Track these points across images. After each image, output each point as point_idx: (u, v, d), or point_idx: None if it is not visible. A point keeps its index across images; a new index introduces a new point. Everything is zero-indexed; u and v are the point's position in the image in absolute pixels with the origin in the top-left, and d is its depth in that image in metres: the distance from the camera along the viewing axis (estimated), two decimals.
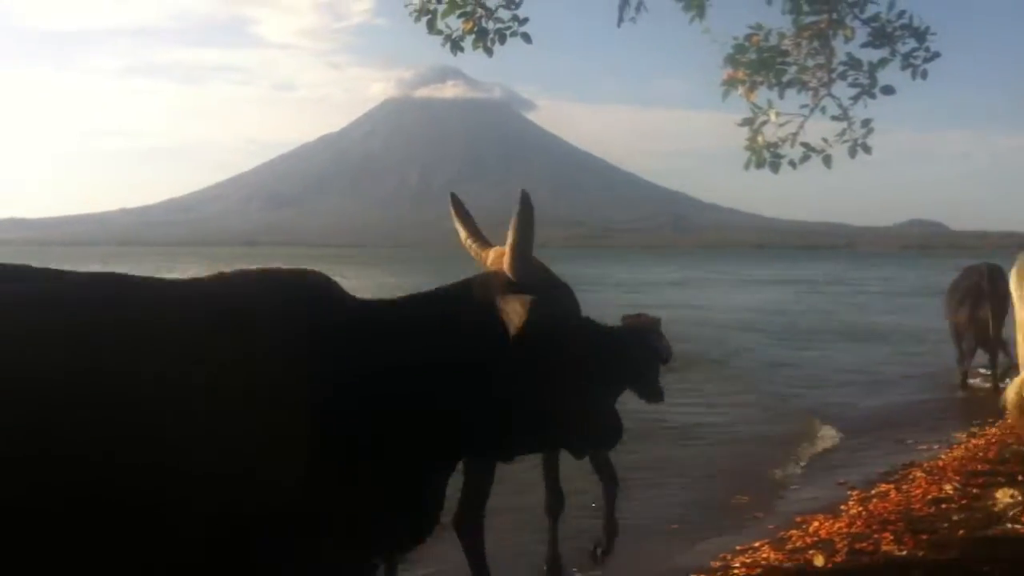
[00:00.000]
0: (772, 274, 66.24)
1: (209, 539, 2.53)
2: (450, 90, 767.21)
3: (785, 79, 6.63)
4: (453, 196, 3.53)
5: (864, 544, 5.92)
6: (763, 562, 5.96)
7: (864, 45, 6.54)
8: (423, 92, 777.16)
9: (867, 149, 6.45)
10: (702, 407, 13.01)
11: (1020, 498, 6.70)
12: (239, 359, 2.64)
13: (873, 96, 6.46)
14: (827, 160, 6.46)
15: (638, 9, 6.81)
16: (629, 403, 5.34)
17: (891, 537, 6.09)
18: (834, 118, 6.59)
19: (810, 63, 6.63)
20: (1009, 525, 6.19)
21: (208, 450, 2.52)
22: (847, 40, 6.58)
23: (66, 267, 2.86)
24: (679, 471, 9.81)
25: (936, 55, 6.40)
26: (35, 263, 2.78)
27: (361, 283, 64.05)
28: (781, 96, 6.66)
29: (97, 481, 2.33)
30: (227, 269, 3.11)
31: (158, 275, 3.05)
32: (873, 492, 7.74)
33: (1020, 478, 7.48)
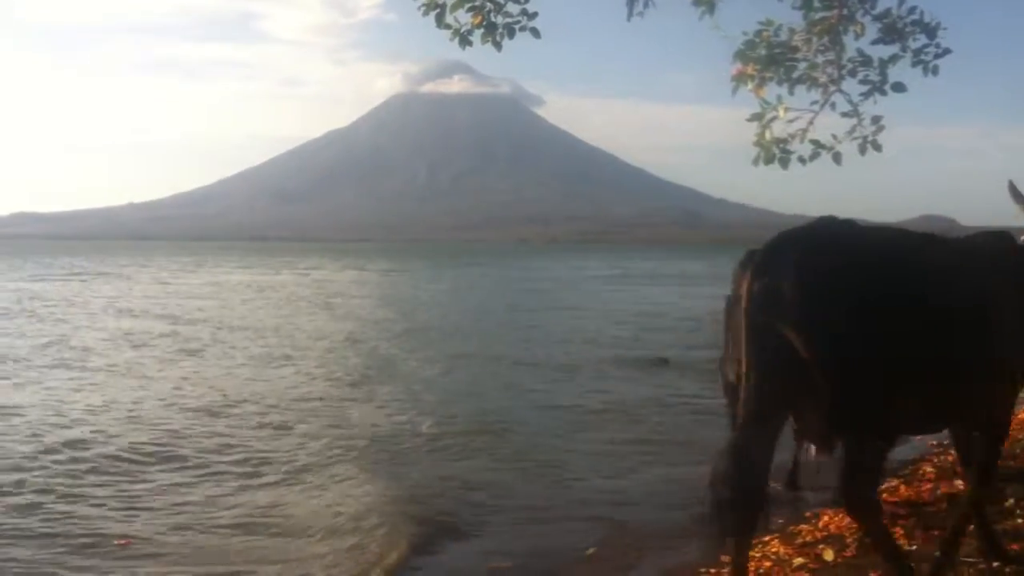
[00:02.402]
0: None
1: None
2: (457, 85, 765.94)
3: (795, 75, 6.60)
4: (1010, 184, 5.71)
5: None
6: (773, 556, 5.98)
7: (875, 42, 6.50)
8: (429, 87, 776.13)
9: (877, 147, 6.40)
10: None
11: None
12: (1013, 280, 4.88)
13: (884, 93, 6.42)
14: (837, 158, 6.41)
15: (647, 4, 6.77)
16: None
17: (901, 532, 6.10)
18: (844, 115, 6.55)
19: (820, 59, 6.59)
20: (1020, 520, 6.20)
21: (996, 318, 4.63)
22: (857, 36, 6.54)
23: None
24: (693, 451, 10.59)
25: (947, 51, 6.36)
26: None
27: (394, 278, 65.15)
28: (791, 92, 6.62)
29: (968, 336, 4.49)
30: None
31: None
32: (883, 487, 7.74)
33: None
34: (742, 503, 4.36)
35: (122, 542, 7.69)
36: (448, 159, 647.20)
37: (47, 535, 7.93)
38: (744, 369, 4.41)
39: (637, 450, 11.34)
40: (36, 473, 9.82)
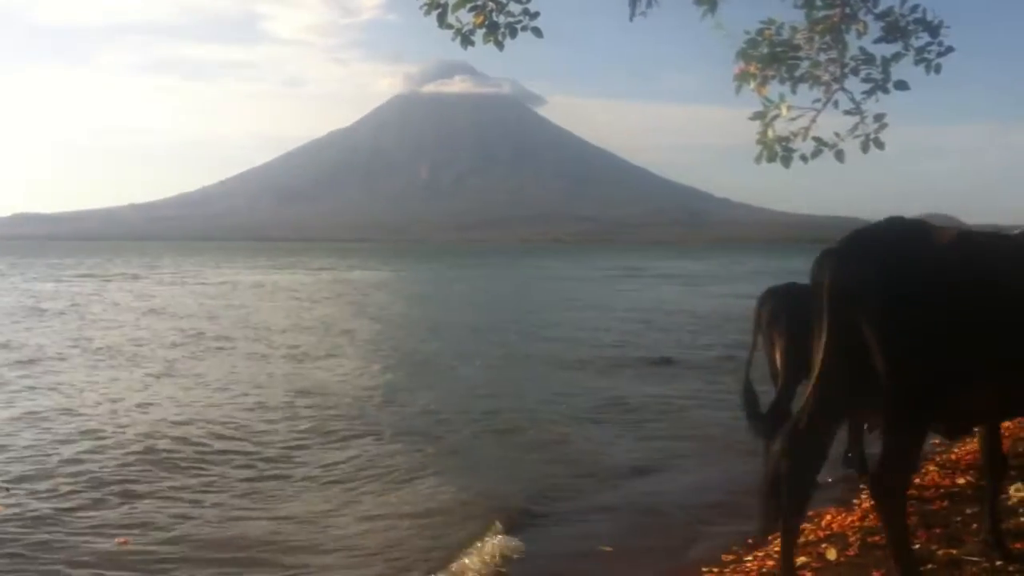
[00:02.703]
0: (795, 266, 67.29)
1: None
2: (458, 85, 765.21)
3: (797, 74, 6.59)
4: None
5: (877, 537, 5.92)
6: (775, 555, 5.96)
7: (877, 40, 6.49)
8: (431, 87, 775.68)
9: (879, 144, 6.40)
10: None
11: None
12: None
13: (887, 91, 6.41)
14: (839, 155, 6.41)
15: (649, 4, 6.77)
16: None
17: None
18: (847, 113, 6.55)
19: (822, 58, 6.58)
20: (1023, 519, 6.19)
21: None
22: (860, 35, 6.53)
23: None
24: (704, 448, 11.08)
25: (950, 49, 6.36)
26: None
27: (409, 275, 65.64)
28: (793, 91, 6.61)
29: None
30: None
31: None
32: None
33: None
34: (799, 489, 4.66)
35: (122, 540, 7.70)
36: (450, 159, 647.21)
37: (81, 531, 7.98)
38: (816, 360, 4.62)
39: (649, 447, 11.40)
40: (64, 473, 9.76)
